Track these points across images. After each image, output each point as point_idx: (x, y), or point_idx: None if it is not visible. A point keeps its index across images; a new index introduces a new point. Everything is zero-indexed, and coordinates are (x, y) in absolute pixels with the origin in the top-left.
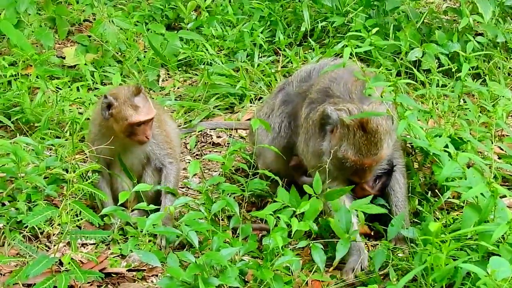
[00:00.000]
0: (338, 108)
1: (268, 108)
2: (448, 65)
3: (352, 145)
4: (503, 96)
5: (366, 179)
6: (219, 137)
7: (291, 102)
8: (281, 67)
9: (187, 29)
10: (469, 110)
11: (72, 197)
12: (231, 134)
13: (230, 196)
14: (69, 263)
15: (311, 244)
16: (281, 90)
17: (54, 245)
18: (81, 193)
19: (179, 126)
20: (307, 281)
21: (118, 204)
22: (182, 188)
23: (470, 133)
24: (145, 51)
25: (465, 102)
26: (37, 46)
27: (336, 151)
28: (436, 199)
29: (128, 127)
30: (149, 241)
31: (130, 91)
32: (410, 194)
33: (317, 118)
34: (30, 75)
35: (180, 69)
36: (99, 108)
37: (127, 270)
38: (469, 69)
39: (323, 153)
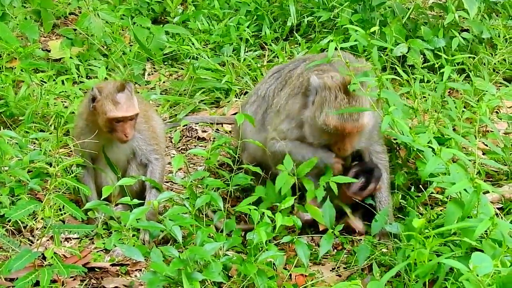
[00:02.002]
0: (322, 76)
1: (261, 84)
2: (433, 61)
3: (333, 108)
4: (487, 91)
5: (346, 151)
6: (204, 131)
7: (285, 68)
8: (267, 62)
9: (173, 23)
10: (451, 109)
11: (56, 191)
12: (216, 129)
13: (214, 190)
14: (52, 257)
15: (295, 239)
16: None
17: (37, 239)
18: (65, 187)
19: (164, 120)
20: (291, 276)
21: (102, 199)
22: (167, 182)
23: (454, 129)
24: (131, 45)
25: (447, 101)
26: (22, 39)
27: (317, 118)
28: (420, 195)
29: (107, 122)
30: (133, 235)
31: (114, 86)
32: (393, 190)
33: (306, 80)
34: (15, 68)
35: (165, 63)
36: (86, 101)
37: (110, 265)
38: (454, 65)
39: (304, 122)
